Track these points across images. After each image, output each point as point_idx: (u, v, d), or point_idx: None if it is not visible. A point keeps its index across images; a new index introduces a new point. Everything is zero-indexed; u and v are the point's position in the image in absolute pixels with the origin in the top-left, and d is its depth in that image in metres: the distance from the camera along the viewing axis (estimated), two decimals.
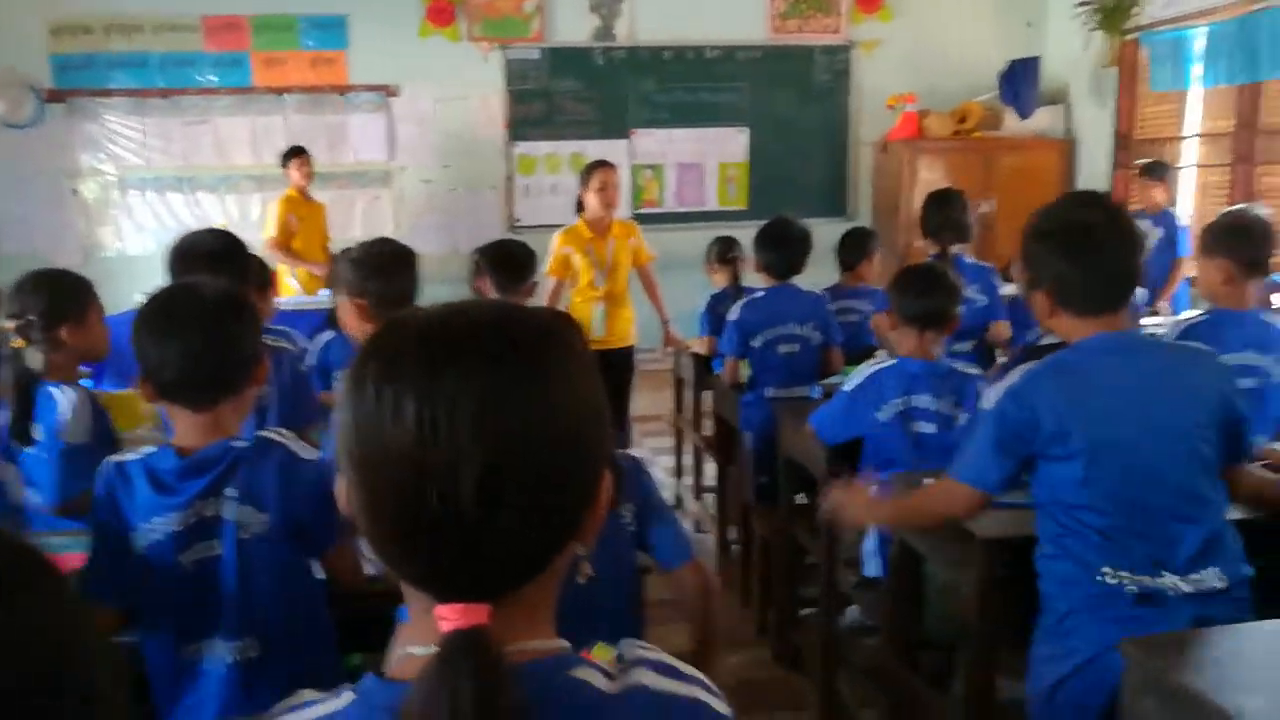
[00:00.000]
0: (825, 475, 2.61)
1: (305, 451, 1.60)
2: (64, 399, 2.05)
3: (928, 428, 2.54)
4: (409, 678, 0.68)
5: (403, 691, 0.68)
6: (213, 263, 2.21)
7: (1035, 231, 1.77)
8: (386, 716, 0.68)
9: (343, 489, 0.73)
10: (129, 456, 1.57)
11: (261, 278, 2.58)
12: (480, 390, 0.68)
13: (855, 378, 2.59)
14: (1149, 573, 1.63)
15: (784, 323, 3.43)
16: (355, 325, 2.33)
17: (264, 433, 1.61)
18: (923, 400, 2.54)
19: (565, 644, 0.74)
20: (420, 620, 0.72)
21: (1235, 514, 1.96)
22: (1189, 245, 4.64)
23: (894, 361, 2.58)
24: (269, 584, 1.54)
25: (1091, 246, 1.69)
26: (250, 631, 1.53)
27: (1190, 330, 2.61)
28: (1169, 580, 1.63)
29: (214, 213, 6.48)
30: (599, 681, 0.72)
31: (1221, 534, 1.69)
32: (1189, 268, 4.71)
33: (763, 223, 3.66)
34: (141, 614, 1.56)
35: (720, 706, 0.76)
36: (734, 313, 3.48)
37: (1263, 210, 4.46)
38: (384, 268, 2.29)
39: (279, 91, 6.58)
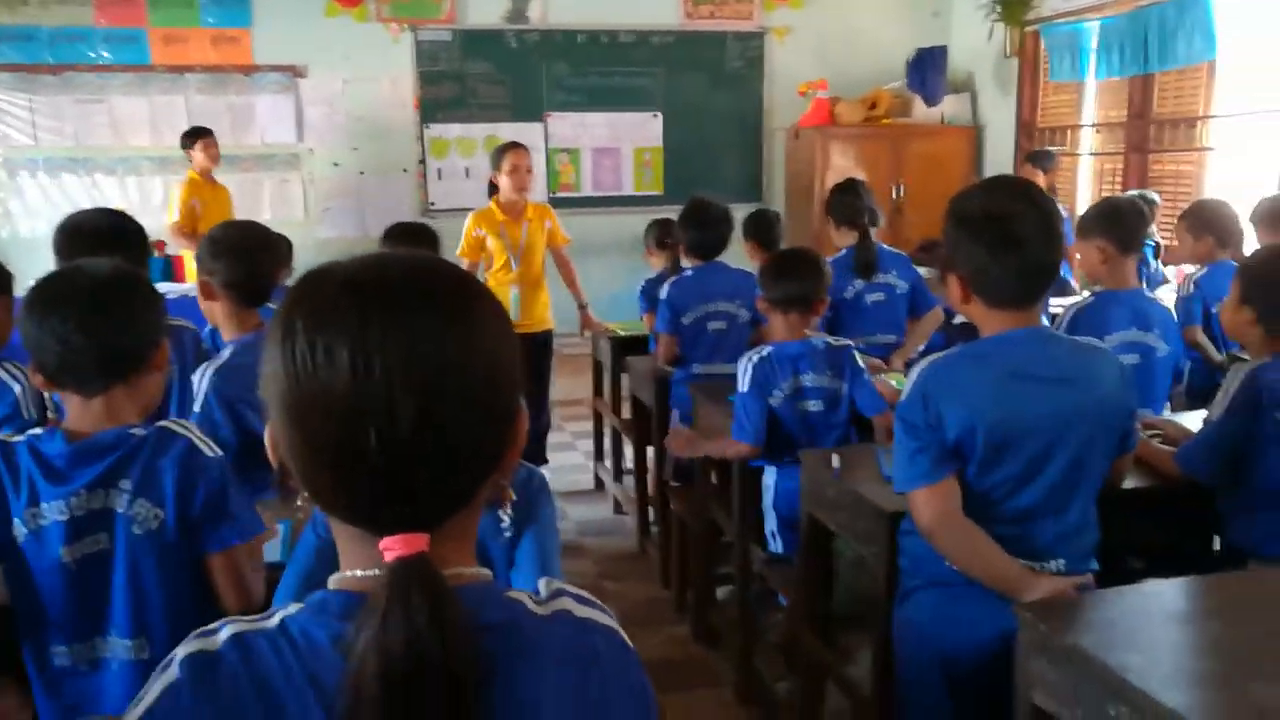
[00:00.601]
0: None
1: (208, 448, 1.54)
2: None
3: (815, 405, 2.62)
4: (350, 589, 0.75)
5: (348, 600, 0.73)
6: (101, 243, 2.12)
7: (957, 216, 1.71)
8: (338, 624, 0.72)
9: (271, 438, 0.76)
10: (15, 438, 1.51)
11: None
12: (409, 332, 0.72)
13: (742, 375, 2.64)
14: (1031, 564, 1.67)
15: (712, 300, 3.48)
16: (201, 301, 2.26)
17: (166, 423, 1.55)
18: (809, 379, 2.62)
19: (488, 573, 0.80)
20: (353, 550, 0.77)
21: (1131, 484, 2.08)
22: (1071, 232, 4.83)
23: (770, 349, 2.64)
24: (162, 582, 1.49)
25: (1012, 240, 1.63)
26: (142, 631, 1.49)
27: (1080, 314, 2.73)
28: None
29: (113, 196, 6.21)
30: (528, 603, 0.79)
31: (1080, 529, 1.73)
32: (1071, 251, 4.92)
33: (678, 207, 3.69)
34: (16, 607, 1.49)
35: (626, 637, 0.83)
36: (664, 291, 3.54)
37: (1152, 195, 4.71)
38: (234, 250, 2.21)
39: (179, 70, 6.34)
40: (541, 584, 0.83)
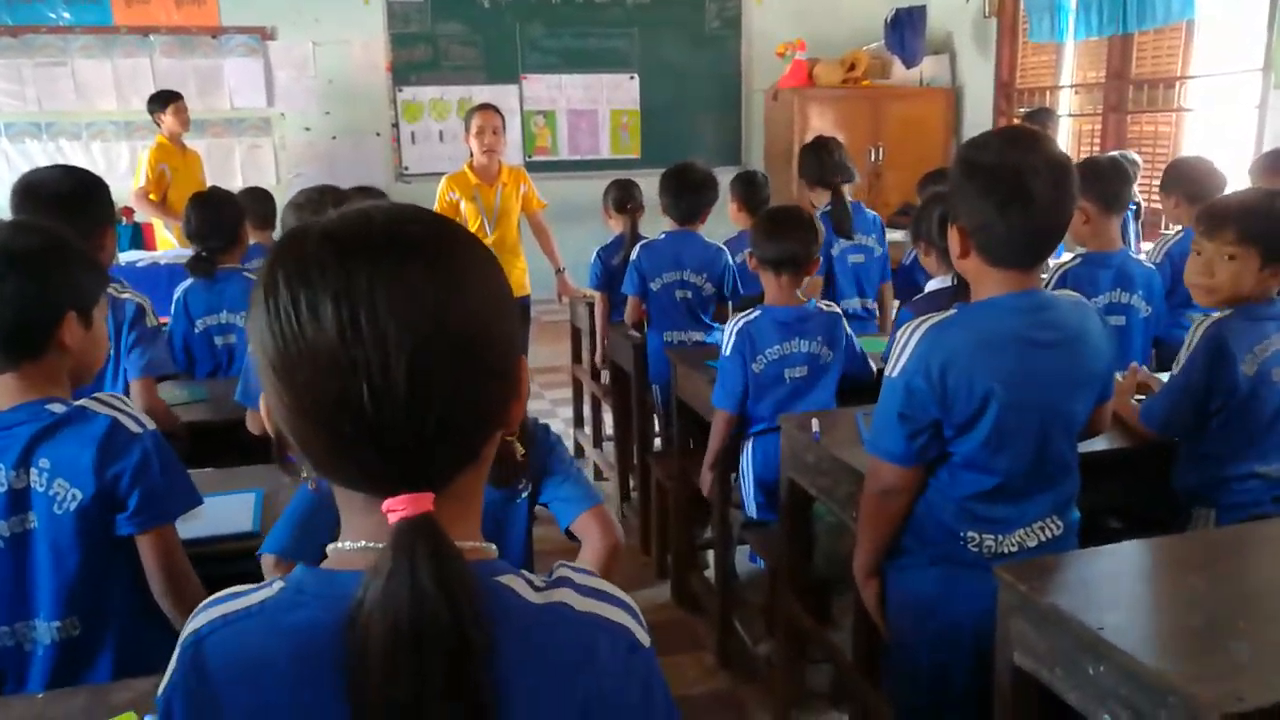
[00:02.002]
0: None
1: (134, 423, 1.47)
2: None
3: (799, 372, 2.58)
4: (347, 568, 0.71)
5: (336, 578, 0.71)
6: (61, 204, 2.04)
7: (968, 165, 1.60)
8: (317, 603, 0.70)
9: (265, 405, 0.73)
10: None
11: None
12: (396, 282, 0.68)
13: (726, 339, 2.59)
14: (1003, 533, 1.66)
15: (682, 269, 3.46)
16: None
17: (87, 401, 1.47)
18: (798, 344, 2.57)
19: (492, 548, 0.76)
20: (355, 519, 0.74)
21: (1110, 445, 2.08)
22: None
23: (757, 313, 2.59)
24: (86, 562, 1.44)
25: (1024, 197, 1.52)
26: (71, 611, 1.45)
27: (1066, 275, 2.72)
28: (1017, 536, 1.67)
29: (78, 161, 6.04)
30: (524, 590, 0.74)
31: (1071, 494, 1.72)
32: None
33: (656, 170, 3.65)
34: None
35: (643, 636, 0.77)
36: (635, 253, 3.52)
37: (1134, 156, 4.70)
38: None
39: (143, 32, 6.19)
40: (557, 566, 0.79)
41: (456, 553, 0.69)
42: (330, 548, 0.75)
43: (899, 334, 1.67)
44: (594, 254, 4.03)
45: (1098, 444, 2.10)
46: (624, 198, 4.05)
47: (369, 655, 0.66)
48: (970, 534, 1.67)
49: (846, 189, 3.59)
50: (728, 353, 2.57)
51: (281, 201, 6.23)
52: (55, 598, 1.44)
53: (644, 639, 0.77)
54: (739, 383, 2.56)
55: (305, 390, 0.68)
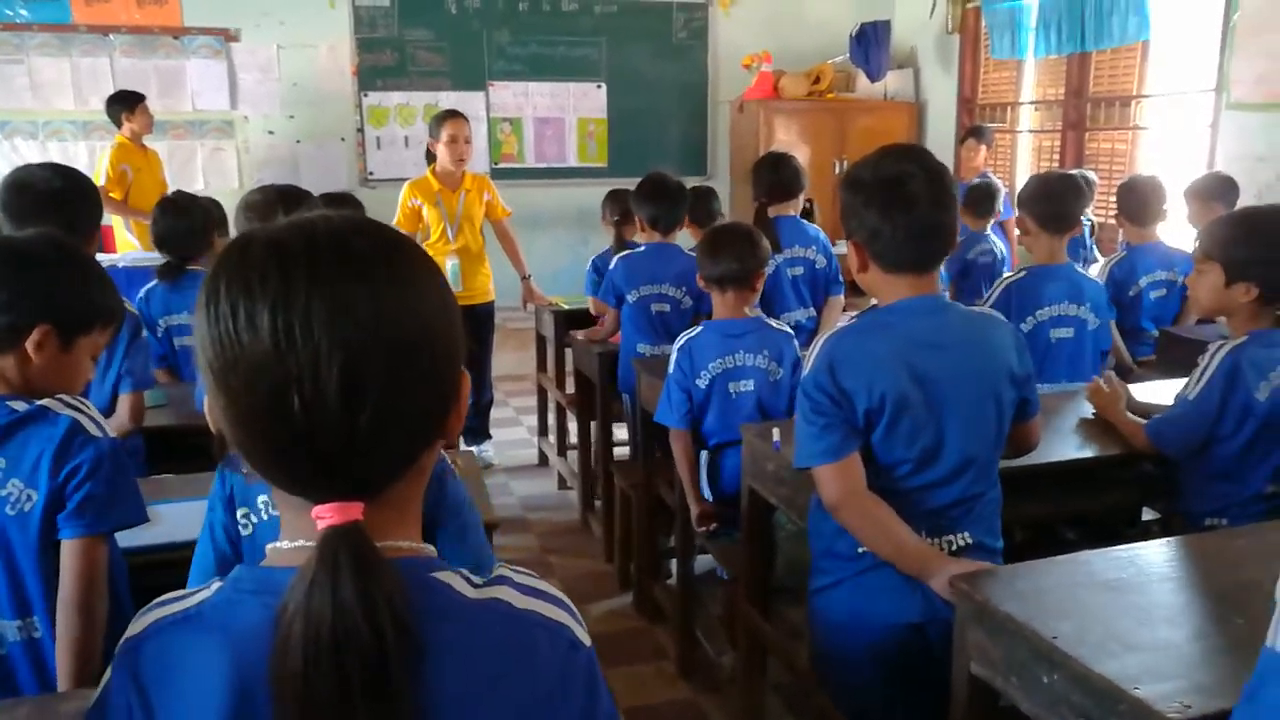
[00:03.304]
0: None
1: (96, 427, 1.45)
2: None
3: (746, 386, 2.60)
4: (279, 565, 0.72)
5: (273, 576, 0.72)
6: (53, 202, 2.00)
7: (850, 182, 1.72)
8: (256, 600, 0.71)
9: (207, 402, 0.74)
10: None
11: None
12: (332, 293, 0.69)
13: (671, 357, 2.62)
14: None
15: (659, 282, 3.47)
16: None
17: (48, 401, 1.44)
18: (740, 358, 2.60)
19: (430, 548, 0.77)
20: (292, 519, 0.75)
21: (1065, 456, 2.11)
22: (1010, 207, 4.92)
23: (700, 329, 2.62)
24: (41, 563, 1.41)
25: (904, 201, 1.64)
26: (29, 611, 1.42)
27: (1010, 288, 2.77)
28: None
29: (35, 162, 5.97)
30: (461, 586, 0.75)
31: (982, 499, 1.74)
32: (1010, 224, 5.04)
33: (622, 179, 3.67)
34: None
35: (583, 636, 0.78)
36: (612, 265, 3.54)
37: (1091, 176, 4.79)
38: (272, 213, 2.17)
39: (103, 31, 6.09)
40: (497, 566, 0.80)
41: (382, 565, 0.69)
42: (269, 546, 0.76)
43: (815, 343, 1.75)
44: (588, 261, 4.10)
45: (1053, 455, 2.14)
46: (614, 208, 4.09)
47: (289, 659, 0.67)
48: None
49: (793, 204, 3.63)
50: (671, 369, 2.61)
51: None
52: (11, 598, 1.42)
53: (584, 638, 0.78)
54: (681, 399, 2.59)
55: (240, 395, 0.70)
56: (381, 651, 0.67)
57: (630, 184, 3.80)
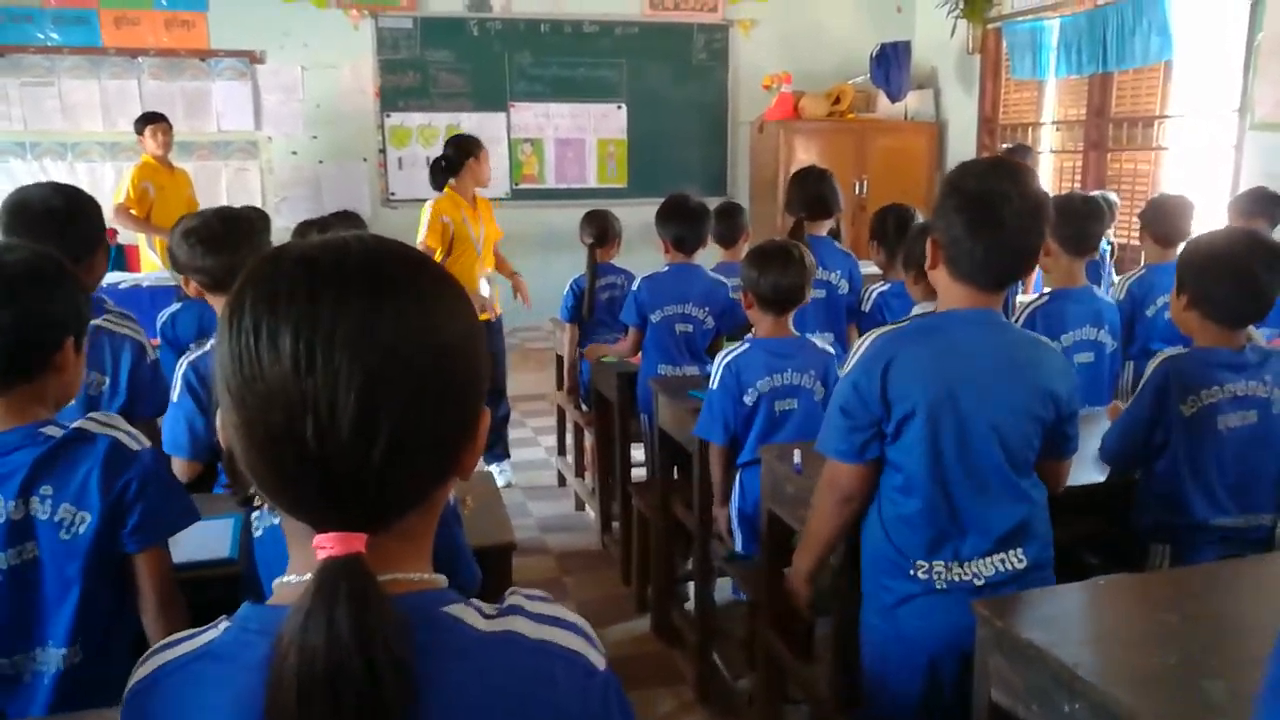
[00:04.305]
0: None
1: (134, 441, 1.47)
2: None
3: (791, 404, 2.58)
4: (285, 603, 0.69)
5: (279, 616, 0.69)
6: (53, 221, 2.00)
7: (950, 183, 1.72)
8: (263, 640, 0.69)
9: (220, 419, 0.72)
10: None
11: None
12: (358, 316, 0.67)
13: (714, 373, 2.60)
14: (950, 559, 1.69)
15: (683, 302, 3.46)
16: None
17: (84, 422, 1.45)
18: (788, 378, 2.58)
19: (442, 579, 0.75)
20: (299, 551, 0.72)
21: (1086, 480, 2.08)
22: None
23: (747, 345, 2.60)
24: (92, 587, 1.42)
25: (992, 221, 1.63)
26: (75, 639, 1.43)
27: (1035, 313, 2.75)
28: (973, 567, 1.70)
29: (63, 182, 6.05)
30: (473, 620, 0.72)
31: (1031, 519, 1.73)
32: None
33: (643, 200, 3.68)
34: None
35: (598, 660, 0.76)
36: (636, 285, 3.54)
37: (1112, 197, 4.77)
38: (216, 240, 2.14)
39: (132, 54, 6.19)
40: (509, 593, 0.78)
41: (381, 600, 0.67)
42: (276, 582, 0.75)
43: (859, 341, 1.78)
44: (568, 285, 4.08)
45: (1074, 479, 2.11)
46: (591, 229, 4.07)
47: (283, 693, 0.65)
48: (919, 561, 1.70)
49: (824, 224, 3.61)
50: (714, 385, 2.58)
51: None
52: (62, 625, 1.42)
53: (599, 663, 0.76)
54: (723, 415, 2.56)
55: (254, 415, 0.68)
56: (376, 688, 0.65)
57: (651, 204, 3.81)
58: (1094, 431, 2.39)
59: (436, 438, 0.71)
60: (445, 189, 4.33)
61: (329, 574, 0.67)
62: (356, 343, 0.67)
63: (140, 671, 0.75)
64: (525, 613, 0.75)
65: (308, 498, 0.69)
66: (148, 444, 1.49)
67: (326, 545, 0.68)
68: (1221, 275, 2.00)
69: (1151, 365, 2.08)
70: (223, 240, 2.20)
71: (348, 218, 3.71)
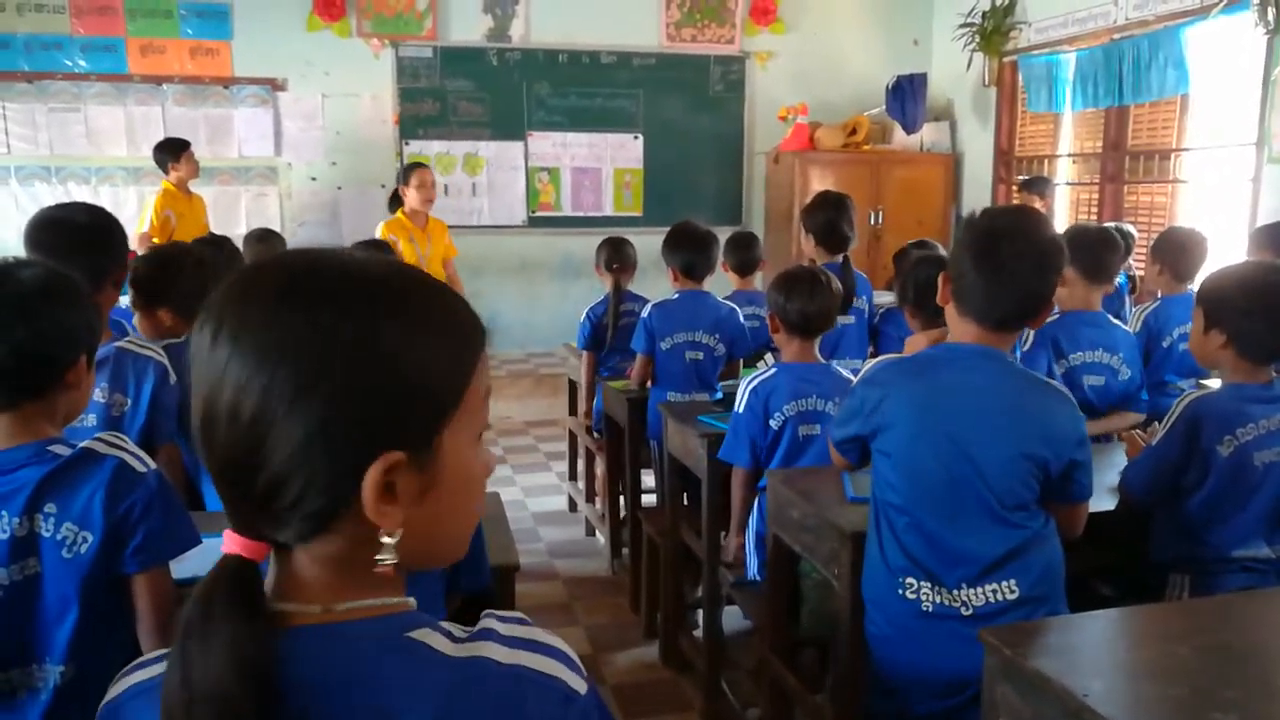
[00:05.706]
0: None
1: (140, 463, 1.47)
2: None
3: (813, 429, 2.57)
4: None
5: None
6: (81, 239, 2.02)
7: (968, 220, 1.81)
8: None
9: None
10: None
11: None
12: (283, 324, 0.65)
13: (740, 396, 2.59)
14: (937, 583, 1.71)
15: (693, 330, 3.46)
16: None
17: (92, 442, 1.46)
18: (813, 403, 2.57)
19: (411, 601, 0.71)
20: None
21: (1098, 509, 2.06)
22: None
23: (774, 370, 2.59)
24: (90, 605, 1.42)
25: (996, 262, 1.68)
26: (72, 656, 1.42)
27: (1045, 329, 2.73)
28: (962, 594, 1.70)
29: None
30: (440, 644, 0.69)
31: (1024, 549, 1.72)
32: None
33: (658, 229, 3.68)
34: None
35: (578, 684, 0.71)
36: (646, 311, 3.52)
37: (1128, 229, 4.75)
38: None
39: (157, 81, 6.31)
40: (484, 616, 0.74)
41: (259, 614, 0.65)
42: None
43: (865, 366, 1.91)
44: (584, 313, 4.06)
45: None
46: (610, 257, 4.06)
47: (171, 709, 0.64)
48: (908, 580, 1.73)
49: (837, 256, 3.62)
50: (740, 409, 2.57)
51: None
52: (60, 642, 1.42)
53: (579, 686, 0.71)
54: (749, 438, 2.55)
55: (195, 405, 0.68)
56: (250, 711, 0.62)
57: (664, 234, 3.82)
58: (1109, 460, 2.37)
59: (339, 461, 0.66)
60: (397, 213, 4.98)
61: (213, 583, 0.66)
62: (272, 350, 0.65)
63: (113, 690, 0.74)
64: (498, 636, 0.71)
65: (227, 507, 0.69)
66: (154, 466, 1.49)
67: (230, 543, 0.68)
68: (1259, 312, 1.98)
69: (1179, 406, 2.05)
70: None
71: (378, 246, 3.83)
